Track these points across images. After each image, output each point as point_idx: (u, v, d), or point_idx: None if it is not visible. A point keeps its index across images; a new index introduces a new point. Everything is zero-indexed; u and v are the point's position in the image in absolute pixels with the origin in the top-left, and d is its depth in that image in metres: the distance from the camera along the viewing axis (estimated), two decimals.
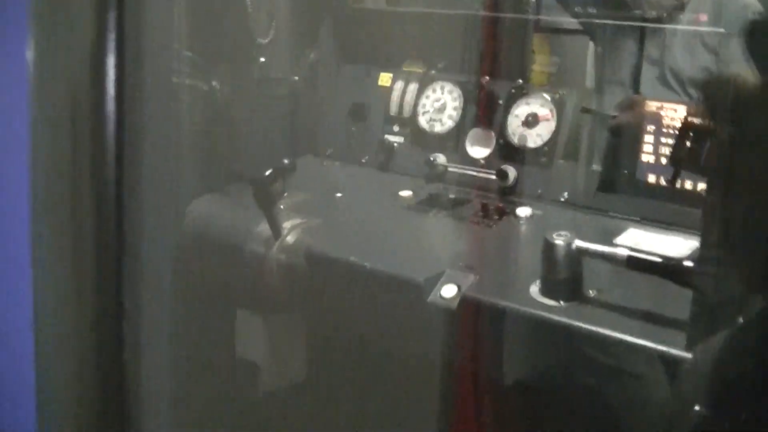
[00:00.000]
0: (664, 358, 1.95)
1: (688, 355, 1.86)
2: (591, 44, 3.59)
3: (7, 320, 1.90)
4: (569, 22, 3.54)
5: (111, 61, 1.38)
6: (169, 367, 1.65)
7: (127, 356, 1.48)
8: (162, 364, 1.62)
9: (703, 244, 1.86)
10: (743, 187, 1.73)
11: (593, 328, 2.07)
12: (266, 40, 3.23)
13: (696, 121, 2.30)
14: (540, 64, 3.57)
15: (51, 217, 1.50)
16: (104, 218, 1.43)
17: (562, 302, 2.18)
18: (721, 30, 3.11)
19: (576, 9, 3.46)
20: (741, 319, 1.74)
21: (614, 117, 2.83)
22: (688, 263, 1.98)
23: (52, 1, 1.48)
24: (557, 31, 3.67)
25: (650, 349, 1.96)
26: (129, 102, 1.43)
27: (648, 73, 3.26)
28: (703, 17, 3.19)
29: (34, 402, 1.54)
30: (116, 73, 1.38)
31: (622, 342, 2.02)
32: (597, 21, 3.40)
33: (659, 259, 2.10)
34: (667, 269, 2.05)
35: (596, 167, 2.87)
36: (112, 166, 1.41)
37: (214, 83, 3.01)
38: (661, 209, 2.61)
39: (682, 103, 2.74)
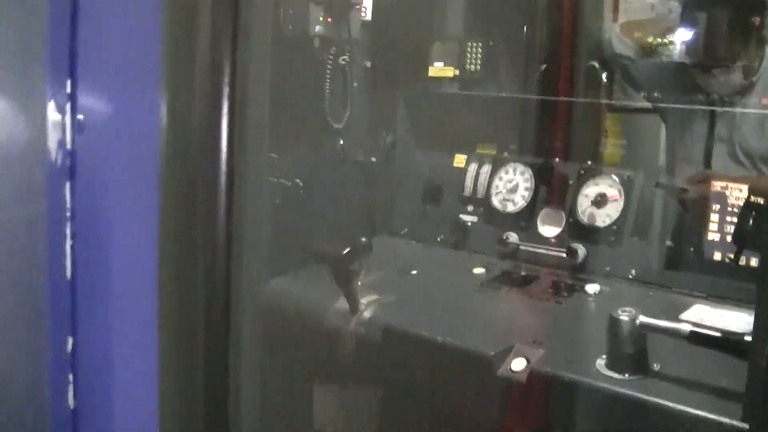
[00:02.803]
0: (724, 429, 1.99)
1: (745, 426, 1.91)
2: (662, 124, 3.66)
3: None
4: (641, 103, 3.62)
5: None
6: None
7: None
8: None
9: (756, 318, 1.91)
10: None
11: (656, 400, 2.12)
12: (341, 125, 3.36)
13: (757, 200, 2.37)
14: (612, 145, 3.64)
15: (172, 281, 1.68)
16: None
17: (627, 375, 2.22)
18: None
19: (647, 93, 3.55)
20: None
21: (685, 190, 2.89)
22: (748, 338, 2.02)
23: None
24: (629, 111, 3.74)
25: (709, 420, 2.01)
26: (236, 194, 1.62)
27: (718, 150, 3.31)
28: None
29: None
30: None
31: (683, 414, 2.06)
32: (667, 105, 3.48)
33: (719, 334, 2.15)
34: (727, 344, 2.10)
35: (664, 245, 2.92)
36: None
37: (296, 174, 3.14)
38: (727, 286, 2.66)
39: (746, 181, 2.79)
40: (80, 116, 2.10)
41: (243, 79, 1.62)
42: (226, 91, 1.60)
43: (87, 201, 2.07)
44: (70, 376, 2.05)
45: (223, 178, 1.60)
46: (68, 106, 2.08)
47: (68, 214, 2.06)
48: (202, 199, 1.65)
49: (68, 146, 2.09)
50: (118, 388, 2.00)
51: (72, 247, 2.06)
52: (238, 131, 1.61)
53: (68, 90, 2.09)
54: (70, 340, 2.05)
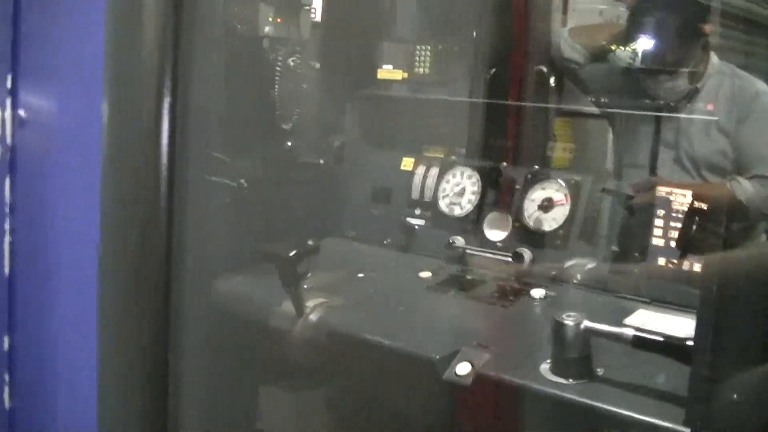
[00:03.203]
0: None
1: (687, 430, 1.93)
2: (610, 129, 3.69)
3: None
4: (590, 108, 3.64)
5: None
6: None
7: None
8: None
9: (698, 323, 1.92)
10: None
11: (600, 405, 2.12)
12: (289, 126, 3.34)
13: (701, 206, 2.40)
14: (561, 149, 3.66)
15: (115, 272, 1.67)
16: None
17: (571, 380, 2.23)
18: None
19: (595, 97, 3.57)
20: (735, 396, 1.81)
21: (631, 197, 2.91)
22: (691, 343, 2.04)
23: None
24: (578, 115, 3.77)
25: (651, 424, 2.02)
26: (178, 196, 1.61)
27: (664, 155, 3.34)
28: (716, 103, 3.28)
29: None
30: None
31: (627, 418, 2.07)
32: (614, 110, 3.50)
33: (663, 339, 2.16)
34: (671, 348, 2.11)
35: (609, 250, 2.94)
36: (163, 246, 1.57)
37: (242, 169, 3.11)
38: (671, 291, 2.67)
39: (690, 187, 2.81)
40: (22, 112, 2.07)
41: (186, 78, 1.61)
42: (168, 88, 1.58)
43: (27, 196, 2.04)
44: (6, 376, 2.02)
45: (164, 176, 1.59)
46: (9, 102, 2.05)
47: (7, 209, 2.03)
48: (143, 197, 1.64)
49: (8, 141, 2.06)
50: (57, 388, 1.98)
51: (11, 243, 2.03)
52: (180, 129, 1.60)
53: (9, 85, 2.05)
54: (7, 339, 2.02)
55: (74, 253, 1.93)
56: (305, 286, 2.88)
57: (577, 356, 2.24)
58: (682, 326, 2.41)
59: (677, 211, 2.70)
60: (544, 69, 3.52)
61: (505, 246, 3.10)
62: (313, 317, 2.81)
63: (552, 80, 3.53)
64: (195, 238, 1.82)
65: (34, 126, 2.04)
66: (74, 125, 1.95)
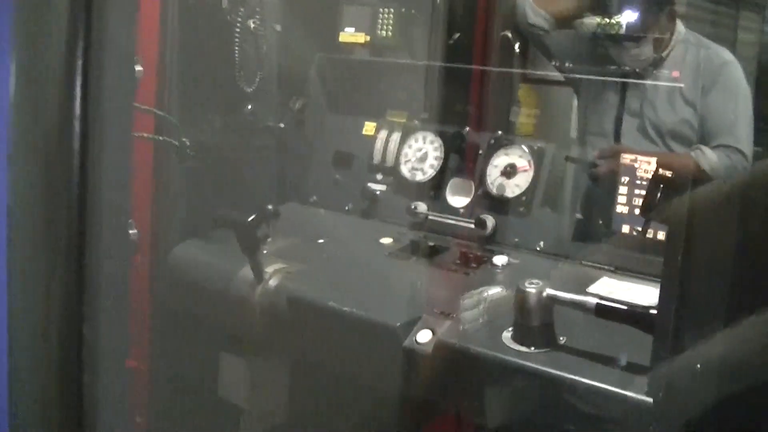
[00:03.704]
0: (628, 402, 1.99)
1: (649, 400, 1.91)
2: (575, 96, 3.67)
3: None
4: (554, 75, 3.61)
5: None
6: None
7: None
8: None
9: (662, 291, 1.90)
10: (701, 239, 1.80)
11: (562, 373, 2.11)
12: (251, 89, 3.28)
13: (665, 173, 2.38)
14: (526, 115, 3.63)
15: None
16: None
17: (533, 348, 2.21)
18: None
19: (560, 64, 3.54)
20: (699, 366, 1.79)
21: (595, 165, 2.89)
22: (654, 311, 2.02)
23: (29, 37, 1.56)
24: (543, 82, 3.73)
25: (613, 394, 2.00)
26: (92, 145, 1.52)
27: (628, 124, 3.32)
28: (681, 72, 3.27)
29: None
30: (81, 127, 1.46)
31: (588, 387, 2.06)
32: (579, 76, 3.48)
33: (626, 308, 2.14)
34: (634, 317, 2.09)
35: (573, 217, 2.92)
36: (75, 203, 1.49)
37: (200, 132, 3.06)
38: (634, 259, 2.65)
39: (655, 155, 2.79)
40: None
41: (101, 34, 1.51)
42: (81, 47, 1.49)
43: None
44: None
45: (76, 132, 1.50)
46: None
47: None
48: (53, 151, 1.54)
49: None
50: None
51: None
52: (97, 81, 1.50)
53: None
54: None
55: None
56: (264, 252, 2.84)
57: (539, 324, 2.22)
58: (646, 295, 2.39)
59: (641, 179, 2.69)
60: (509, 34, 3.48)
61: (467, 212, 3.07)
62: (272, 283, 2.77)
63: (516, 46, 3.49)
64: (118, 201, 1.73)
65: None
66: None
